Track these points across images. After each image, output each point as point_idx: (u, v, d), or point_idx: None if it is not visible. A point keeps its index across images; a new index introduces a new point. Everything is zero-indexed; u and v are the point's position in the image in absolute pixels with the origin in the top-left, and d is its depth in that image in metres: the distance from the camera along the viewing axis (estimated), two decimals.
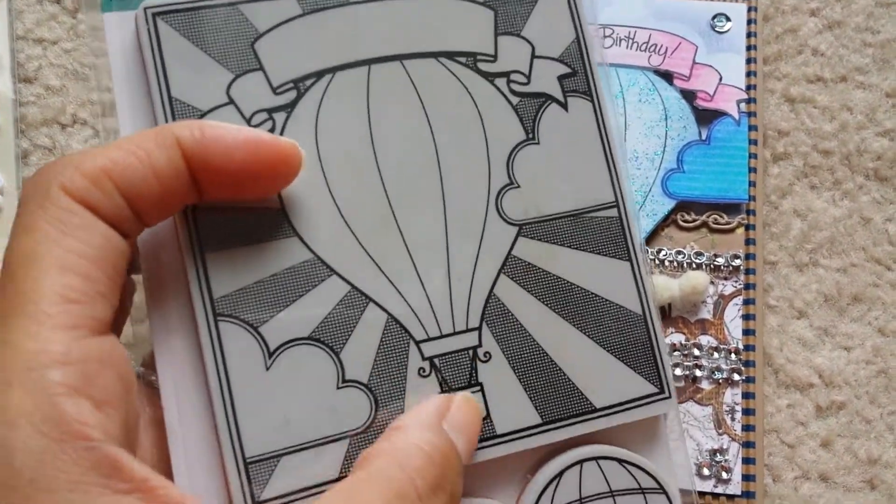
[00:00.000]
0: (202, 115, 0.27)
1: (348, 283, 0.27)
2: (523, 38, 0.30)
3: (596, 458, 0.29)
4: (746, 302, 0.43)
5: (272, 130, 0.27)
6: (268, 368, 0.26)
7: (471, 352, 0.28)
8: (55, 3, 0.47)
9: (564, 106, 0.30)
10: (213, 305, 0.26)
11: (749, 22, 0.46)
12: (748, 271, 0.43)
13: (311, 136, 0.27)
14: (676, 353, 0.43)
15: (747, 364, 0.42)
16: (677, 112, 0.45)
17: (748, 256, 0.44)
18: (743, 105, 0.45)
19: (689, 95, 0.45)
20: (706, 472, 0.41)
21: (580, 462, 0.29)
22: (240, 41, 0.27)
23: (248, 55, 0.27)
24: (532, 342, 0.28)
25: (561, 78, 0.30)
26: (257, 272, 0.27)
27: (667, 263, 0.44)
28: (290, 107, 0.27)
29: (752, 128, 0.45)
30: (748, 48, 0.46)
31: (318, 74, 0.28)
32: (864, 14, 0.48)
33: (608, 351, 0.29)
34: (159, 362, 0.27)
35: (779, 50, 0.47)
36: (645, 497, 0.29)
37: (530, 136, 0.29)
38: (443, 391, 0.28)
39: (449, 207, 0.28)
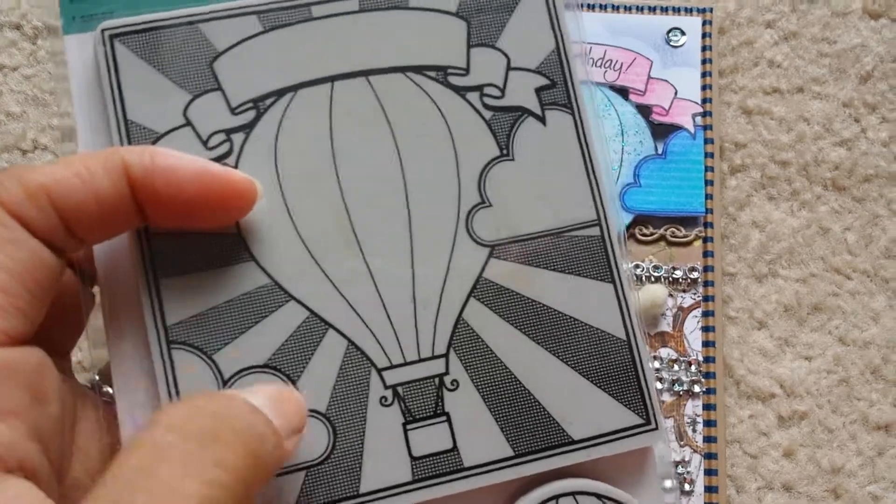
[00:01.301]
0: (158, 138, 0.26)
1: (307, 308, 0.26)
2: (498, 49, 0.28)
3: (573, 493, 0.27)
4: (706, 314, 0.43)
5: (230, 152, 0.27)
6: None
7: (437, 380, 0.27)
8: (15, 30, 0.47)
9: (542, 119, 0.28)
10: (167, 332, 0.26)
11: (704, 35, 0.46)
12: (707, 283, 0.44)
13: (269, 156, 0.27)
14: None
15: (708, 376, 0.43)
16: (633, 127, 0.45)
17: (706, 269, 0.44)
18: (699, 119, 0.45)
19: (644, 110, 0.46)
20: (668, 483, 0.41)
21: (555, 497, 0.27)
22: (198, 61, 0.27)
23: (206, 75, 0.27)
24: (503, 369, 0.27)
25: (539, 90, 0.28)
26: (212, 298, 0.26)
27: None
28: (248, 127, 0.27)
29: (707, 141, 0.45)
30: (703, 61, 0.46)
31: (279, 93, 0.27)
32: (820, 24, 0.48)
33: (588, 378, 0.27)
34: (116, 383, 0.26)
35: (735, 62, 0.47)
36: None
37: (504, 151, 0.28)
38: (406, 422, 0.26)
39: (415, 228, 0.27)
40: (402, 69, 0.28)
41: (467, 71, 0.28)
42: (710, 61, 0.46)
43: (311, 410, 0.26)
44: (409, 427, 0.27)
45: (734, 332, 0.44)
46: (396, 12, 0.28)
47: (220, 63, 0.27)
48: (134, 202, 0.25)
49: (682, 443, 0.42)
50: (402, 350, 0.27)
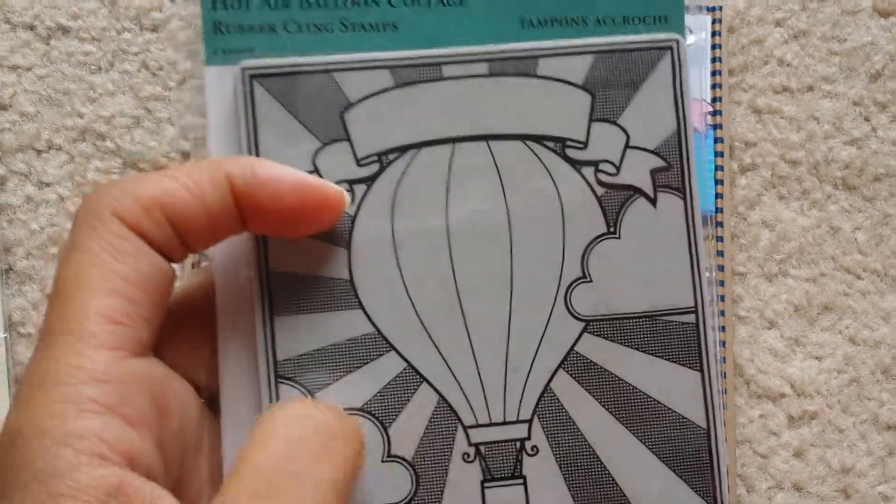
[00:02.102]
0: None
1: (405, 360, 0.27)
2: (619, 125, 0.28)
3: None
4: (716, 313, 0.43)
5: (351, 202, 0.28)
6: None
7: (518, 443, 0.27)
8: (29, 30, 0.48)
9: (653, 201, 0.28)
10: (276, 367, 0.27)
11: (713, 34, 0.46)
12: (717, 282, 0.44)
13: (387, 210, 0.28)
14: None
15: None
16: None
17: (717, 268, 0.44)
18: (709, 118, 0.45)
19: None
20: None
21: None
22: (330, 109, 0.27)
23: (336, 124, 0.27)
24: (583, 442, 0.28)
25: (654, 171, 0.28)
26: (320, 340, 0.27)
27: None
28: (370, 180, 0.28)
29: (717, 140, 0.45)
30: (713, 60, 0.46)
31: (403, 149, 0.28)
32: (829, 23, 0.48)
33: (663, 461, 0.28)
34: (223, 410, 0.27)
35: (744, 61, 0.47)
36: None
37: (612, 229, 0.28)
38: (485, 480, 0.27)
39: (516, 295, 0.28)
40: (523, 137, 0.28)
41: (586, 145, 0.28)
42: (720, 60, 0.46)
43: (398, 456, 0.27)
44: (486, 485, 0.27)
45: (744, 331, 0.44)
46: (524, 79, 0.28)
47: (350, 114, 0.28)
48: (237, 212, 0.26)
49: None
50: (489, 411, 0.28)
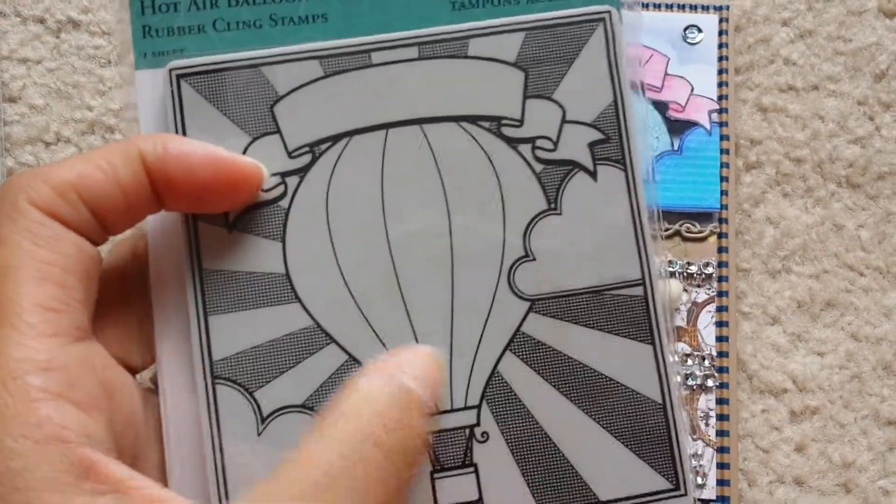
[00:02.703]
0: None
1: (346, 352, 0.27)
2: (554, 101, 0.28)
3: None
4: (719, 309, 0.44)
5: (284, 194, 0.27)
6: (259, 434, 0.26)
7: (467, 431, 0.27)
8: (39, 23, 0.48)
9: (593, 175, 0.28)
10: (212, 367, 0.27)
11: (721, 33, 0.47)
12: (721, 279, 0.44)
13: (321, 200, 0.27)
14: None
15: (721, 370, 0.43)
16: (650, 123, 0.46)
17: (721, 264, 0.44)
18: (714, 115, 0.46)
19: (660, 106, 0.46)
20: None
21: None
22: (259, 104, 0.27)
23: (266, 118, 0.27)
24: (535, 425, 0.27)
25: (592, 144, 0.28)
26: (257, 337, 0.27)
27: None
28: (303, 171, 0.27)
29: (723, 137, 0.45)
30: (720, 59, 0.46)
31: (335, 138, 0.27)
32: (835, 23, 0.48)
33: (619, 439, 0.27)
34: (164, 408, 0.27)
35: (751, 60, 0.48)
36: None
37: (552, 205, 0.28)
38: (434, 470, 0.27)
39: (457, 279, 0.27)
40: (456, 118, 0.28)
41: (521, 122, 0.28)
42: (727, 59, 0.46)
43: None
44: (436, 476, 0.27)
45: (747, 327, 0.45)
46: (455, 61, 0.28)
47: (280, 106, 0.27)
48: (151, 189, 0.26)
49: (694, 436, 0.42)
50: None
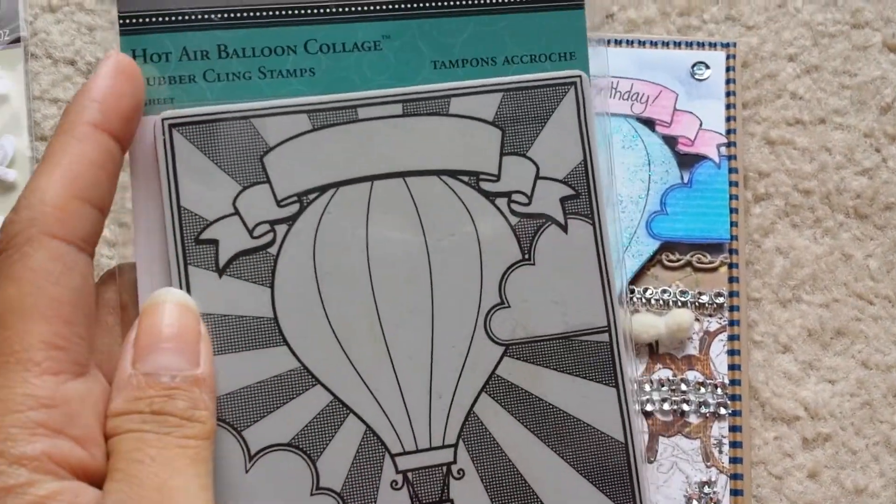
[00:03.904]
0: (208, 225, 0.28)
1: (331, 393, 0.28)
2: (529, 158, 0.30)
3: None
4: (731, 338, 0.45)
5: (273, 242, 0.28)
6: (247, 471, 0.27)
7: (445, 468, 0.28)
8: (69, 65, 0.50)
9: (564, 228, 0.29)
10: None
11: (728, 69, 0.48)
12: (732, 308, 0.45)
13: (309, 248, 0.28)
14: (664, 389, 0.44)
15: (734, 398, 0.44)
16: (659, 157, 0.47)
17: (732, 294, 0.45)
18: (723, 149, 0.47)
19: (670, 141, 0.47)
20: None
21: None
22: (249, 154, 0.28)
23: (256, 168, 0.28)
24: (507, 462, 0.29)
25: (563, 200, 0.30)
26: (246, 378, 0.28)
27: (653, 302, 0.45)
28: (291, 220, 0.28)
29: (732, 170, 0.47)
30: (727, 94, 0.48)
31: (322, 189, 0.28)
32: (841, 58, 0.50)
33: (583, 475, 0.29)
34: None
35: (758, 94, 0.49)
36: None
37: (526, 256, 0.29)
38: None
39: (437, 324, 0.29)
40: (438, 172, 0.29)
41: (498, 178, 0.29)
42: (734, 94, 0.48)
43: (327, 489, 0.28)
44: None
45: (759, 355, 0.45)
46: (437, 118, 0.29)
47: (269, 157, 0.28)
48: (118, 145, 0.27)
49: (708, 464, 0.43)
50: (415, 438, 0.29)
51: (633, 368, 0.30)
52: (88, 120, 0.26)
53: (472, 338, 0.29)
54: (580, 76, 0.30)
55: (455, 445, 0.28)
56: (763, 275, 0.47)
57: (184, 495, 0.24)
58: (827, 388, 0.45)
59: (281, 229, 0.28)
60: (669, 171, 0.47)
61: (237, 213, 0.28)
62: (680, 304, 0.45)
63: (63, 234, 0.25)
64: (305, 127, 0.29)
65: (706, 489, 0.43)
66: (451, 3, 0.30)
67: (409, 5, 0.30)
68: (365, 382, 0.28)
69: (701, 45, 0.49)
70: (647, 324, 0.44)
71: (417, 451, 0.28)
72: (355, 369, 0.28)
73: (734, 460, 0.43)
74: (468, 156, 0.29)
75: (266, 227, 0.28)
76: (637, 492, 0.29)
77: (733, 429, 0.43)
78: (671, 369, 0.45)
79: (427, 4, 0.30)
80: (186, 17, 0.29)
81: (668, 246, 0.46)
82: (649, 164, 0.47)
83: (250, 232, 0.28)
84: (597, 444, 0.29)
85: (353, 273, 0.29)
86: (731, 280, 0.45)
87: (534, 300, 0.29)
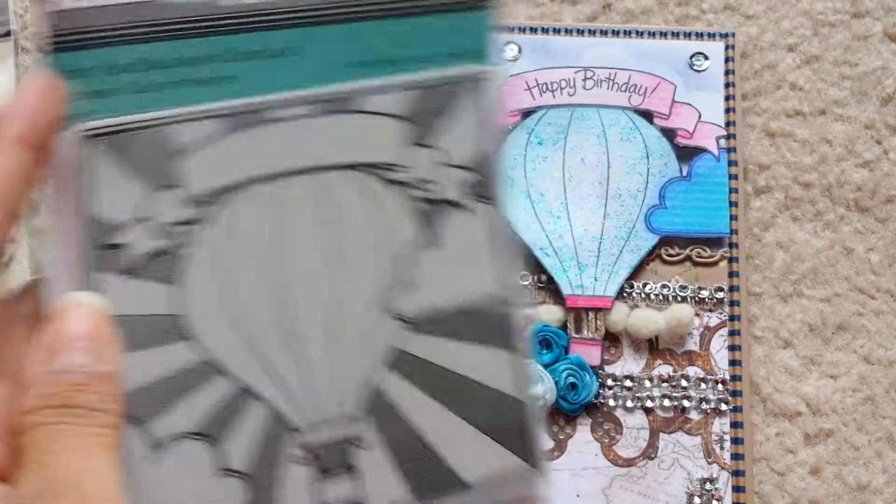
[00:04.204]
0: (117, 229, 0.29)
1: (236, 379, 0.30)
2: (434, 147, 0.32)
3: None
4: (732, 333, 0.44)
5: (182, 243, 0.30)
6: (152, 461, 0.29)
7: (349, 440, 0.30)
8: None
9: (468, 210, 0.32)
10: None
11: (727, 60, 0.47)
12: (732, 303, 0.44)
13: (220, 245, 0.30)
14: (665, 385, 0.44)
15: (735, 394, 0.43)
16: (658, 150, 0.46)
17: (732, 289, 0.45)
18: (722, 141, 0.46)
19: (669, 133, 0.47)
20: (697, 500, 0.42)
21: None
22: (163, 160, 0.30)
23: (169, 172, 0.30)
24: (409, 428, 0.31)
25: (467, 184, 0.32)
26: (151, 373, 0.29)
27: (652, 297, 0.45)
28: (200, 220, 0.30)
29: (731, 163, 0.46)
30: (727, 85, 0.47)
31: (232, 188, 0.30)
32: (841, 48, 0.49)
33: (480, 430, 0.31)
34: None
35: (757, 86, 0.48)
36: None
37: (430, 238, 0.31)
38: (317, 479, 0.30)
39: (345, 305, 0.31)
40: (347, 166, 0.31)
41: (404, 167, 0.31)
42: (734, 85, 0.47)
43: (231, 469, 0.29)
44: (321, 481, 0.30)
45: (760, 350, 0.45)
46: (346, 115, 0.31)
47: (181, 162, 0.30)
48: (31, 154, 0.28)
49: (709, 460, 0.43)
50: (320, 413, 0.30)
51: (525, 332, 0.33)
52: (10, 135, 0.27)
53: (380, 317, 0.31)
54: (482, 71, 0.32)
55: (360, 418, 0.30)
56: (763, 269, 0.46)
57: (97, 479, 0.25)
58: (829, 384, 0.44)
59: (190, 229, 0.30)
60: (668, 164, 0.46)
61: (147, 216, 0.29)
62: (680, 299, 0.45)
63: None
64: (218, 131, 0.30)
65: (708, 486, 0.42)
66: (364, 8, 0.32)
67: (322, 12, 0.32)
68: (268, 367, 0.30)
69: (700, 35, 0.48)
70: (647, 319, 0.44)
71: (321, 423, 0.30)
72: (260, 356, 0.30)
73: (736, 456, 0.43)
74: (376, 149, 0.31)
75: (176, 227, 0.30)
76: (528, 438, 0.32)
77: (734, 425, 0.43)
78: (671, 365, 0.44)
79: (340, 11, 0.32)
80: (108, 34, 0.30)
81: (667, 240, 0.45)
82: (648, 157, 0.46)
83: (160, 234, 0.30)
84: (491, 401, 0.31)
85: (260, 265, 0.30)
86: (732, 275, 0.45)
87: (437, 278, 0.31)
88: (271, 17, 0.32)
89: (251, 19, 0.31)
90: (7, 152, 0.27)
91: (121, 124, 0.30)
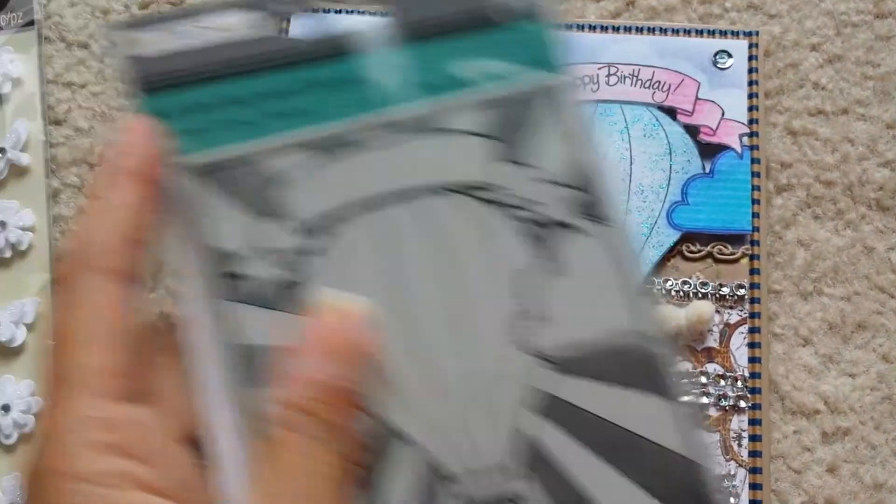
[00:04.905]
0: (235, 257, 0.29)
1: (382, 419, 0.28)
2: (527, 164, 0.30)
3: None
4: (752, 330, 0.44)
5: (300, 273, 0.29)
6: None
7: (505, 495, 0.27)
8: (83, 49, 0.49)
9: (583, 232, 0.29)
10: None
11: (750, 58, 0.47)
12: (753, 300, 0.45)
13: (334, 276, 0.29)
14: (684, 381, 0.44)
15: (753, 391, 0.43)
16: (681, 146, 0.46)
17: (753, 286, 0.45)
18: (745, 139, 0.46)
19: (692, 130, 0.47)
20: None
21: None
22: (261, 191, 0.29)
23: (268, 204, 0.29)
24: (576, 492, 0.27)
25: (575, 203, 0.30)
26: None
27: (673, 293, 0.45)
28: (318, 249, 0.29)
29: (754, 160, 0.46)
30: (750, 83, 0.47)
31: (339, 216, 0.29)
32: (864, 48, 0.49)
33: (653, 496, 0.27)
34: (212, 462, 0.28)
35: (780, 84, 0.48)
36: None
37: (551, 265, 0.29)
38: None
39: (475, 340, 0.28)
40: (441, 188, 0.30)
41: (503, 187, 0.30)
42: (757, 83, 0.47)
43: None
44: None
45: (779, 348, 0.45)
46: (428, 136, 0.30)
47: (280, 192, 0.29)
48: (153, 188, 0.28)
49: (727, 457, 0.43)
50: (474, 465, 0.28)
51: (679, 375, 0.29)
52: (127, 171, 0.28)
53: (512, 353, 0.28)
54: (556, 80, 0.31)
55: (516, 471, 0.28)
56: (784, 267, 0.46)
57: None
58: (847, 382, 0.45)
59: (309, 260, 0.29)
60: (691, 160, 0.46)
61: (261, 246, 0.29)
62: (700, 295, 0.45)
63: (113, 267, 0.27)
64: (310, 160, 0.30)
65: (725, 483, 0.42)
66: (426, 27, 0.31)
67: (385, 36, 0.31)
68: (414, 408, 0.28)
69: (723, 33, 0.48)
70: (668, 315, 0.44)
71: (479, 476, 0.28)
72: (402, 393, 0.28)
73: (753, 454, 0.43)
74: (468, 169, 0.30)
75: (293, 257, 0.29)
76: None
77: (753, 422, 0.43)
78: (691, 361, 0.44)
79: (402, 33, 0.31)
80: (193, 76, 0.30)
81: (688, 236, 0.45)
82: (671, 154, 0.46)
83: (279, 263, 0.29)
84: (661, 461, 0.27)
85: (383, 298, 0.28)
86: (753, 272, 0.45)
87: (571, 311, 0.29)
88: (336, 46, 0.31)
89: (317, 52, 0.31)
90: (127, 186, 0.28)
91: (218, 158, 0.29)
